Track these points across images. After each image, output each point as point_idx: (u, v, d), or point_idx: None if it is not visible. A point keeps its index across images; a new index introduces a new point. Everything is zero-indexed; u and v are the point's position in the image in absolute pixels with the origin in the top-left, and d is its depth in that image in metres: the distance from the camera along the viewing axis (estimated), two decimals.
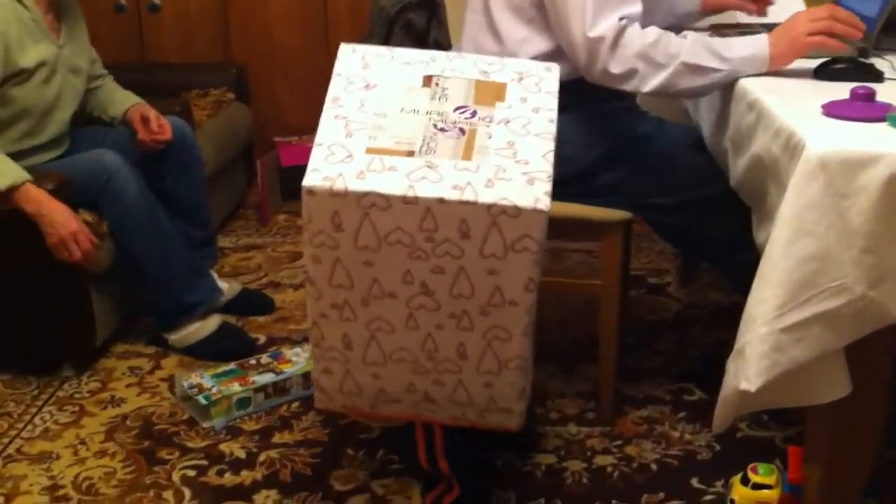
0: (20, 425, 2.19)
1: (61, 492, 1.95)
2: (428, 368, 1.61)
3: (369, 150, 1.48)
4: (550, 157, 1.53)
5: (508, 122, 1.56)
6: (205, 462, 2.04)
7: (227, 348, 2.47)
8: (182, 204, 2.59)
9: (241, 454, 2.07)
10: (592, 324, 2.17)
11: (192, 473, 2.00)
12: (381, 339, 1.58)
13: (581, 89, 1.98)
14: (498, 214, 1.45)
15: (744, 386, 1.44)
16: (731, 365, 1.50)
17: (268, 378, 2.25)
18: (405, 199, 1.44)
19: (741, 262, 1.85)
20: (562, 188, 2.05)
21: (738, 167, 1.77)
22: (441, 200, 1.44)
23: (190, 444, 2.11)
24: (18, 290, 2.35)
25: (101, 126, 2.62)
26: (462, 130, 1.53)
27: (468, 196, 1.44)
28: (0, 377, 2.39)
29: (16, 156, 2.29)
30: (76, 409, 2.25)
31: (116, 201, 2.34)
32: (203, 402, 2.17)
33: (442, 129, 1.53)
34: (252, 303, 2.76)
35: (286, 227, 3.43)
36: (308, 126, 3.68)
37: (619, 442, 2.09)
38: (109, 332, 2.49)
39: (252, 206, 3.57)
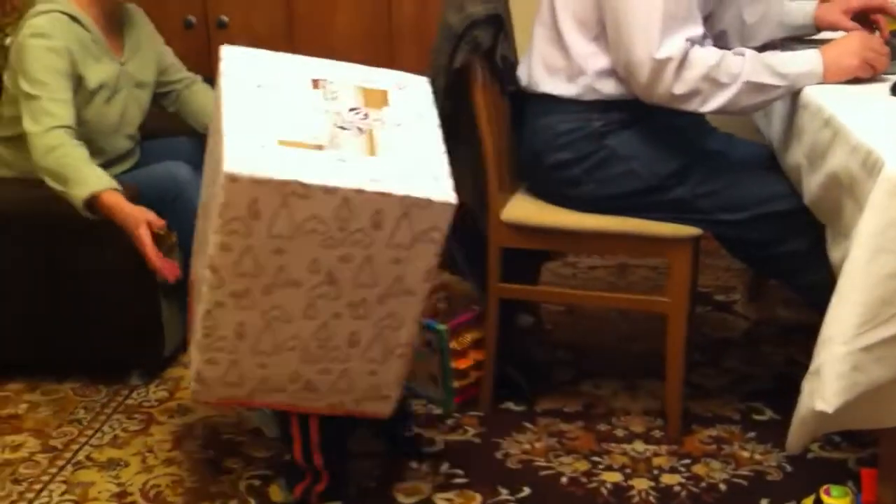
0: (89, 432, 2.23)
1: (129, 499, 1.98)
2: (317, 357, 1.66)
3: (281, 143, 1.53)
4: (445, 158, 1.64)
5: (399, 125, 1.64)
6: (270, 472, 2.05)
7: None
8: None
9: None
10: (657, 340, 2.15)
11: (257, 483, 2.02)
12: (276, 327, 1.63)
13: (648, 104, 1.97)
14: (410, 206, 1.53)
15: (820, 406, 1.41)
16: (807, 385, 1.47)
17: None
18: (325, 189, 1.50)
19: (814, 279, 1.82)
20: (630, 203, 2.05)
21: (812, 184, 1.75)
22: (359, 191, 1.51)
23: (255, 454, 2.12)
24: (89, 298, 2.39)
25: (172, 137, 2.66)
26: (360, 129, 1.60)
27: (384, 188, 1.52)
28: (70, 384, 2.43)
29: None
30: (144, 417, 2.28)
31: (186, 214, 2.37)
32: (269, 412, 2.18)
33: (342, 128, 1.59)
34: None
35: None
36: None
37: (686, 461, 2.06)
38: (178, 341, 2.52)
39: None
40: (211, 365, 1.67)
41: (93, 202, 2.16)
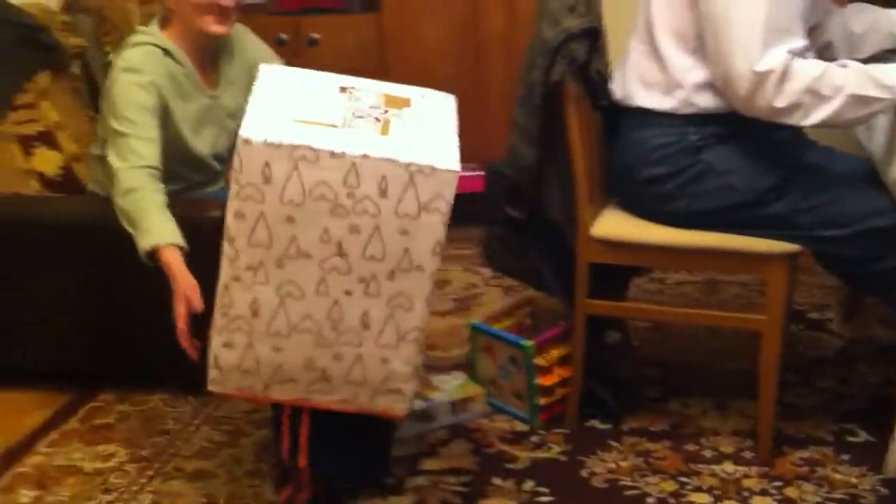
0: (178, 443, 2.26)
1: None
2: (330, 340, 1.68)
3: (296, 121, 1.62)
4: (456, 140, 1.70)
5: (415, 119, 1.69)
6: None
7: None
8: None
9: (390, 479, 2.07)
10: (747, 358, 2.09)
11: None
12: (289, 305, 1.66)
13: (746, 117, 1.93)
14: (415, 173, 1.57)
15: None
16: None
17: (415, 405, 2.25)
18: (333, 154, 1.56)
19: None
20: (725, 218, 2.00)
21: None
22: (365, 156, 1.56)
23: None
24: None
25: None
26: (377, 119, 1.66)
27: (389, 154, 1.58)
28: (160, 395, 2.47)
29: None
30: (231, 428, 2.31)
31: None
32: None
33: (359, 117, 1.66)
34: None
35: None
36: (462, 155, 3.71)
37: (778, 483, 2.00)
38: None
39: None
40: (228, 349, 1.71)
41: (153, 253, 2.08)
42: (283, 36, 3.80)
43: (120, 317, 2.44)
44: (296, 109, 1.65)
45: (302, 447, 1.86)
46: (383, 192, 1.58)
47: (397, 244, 1.61)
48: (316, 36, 3.79)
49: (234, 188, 1.60)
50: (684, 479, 2.02)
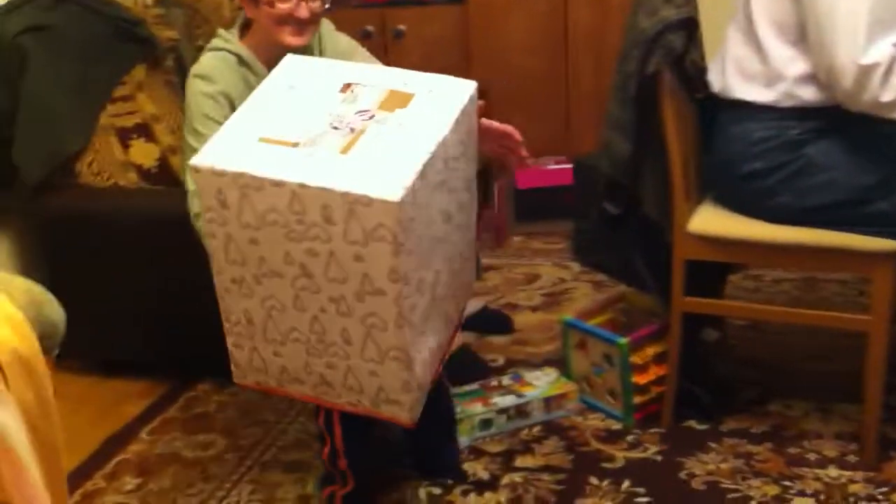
0: (275, 434, 2.29)
1: (313, 502, 2.02)
2: (319, 350, 1.67)
3: (262, 139, 1.57)
4: (425, 157, 1.54)
5: (401, 125, 1.59)
6: (448, 481, 2.05)
7: (462, 373, 2.47)
8: None
9: (485, 475, 2.07)
10: (848, 359, 2.03)
11: (437, 491, 2.02)
12: (275, 317, 1.66)
13: (848, 111, 1.87)
14: (353, 202, 1.49)
15: None
16: None
17: (509, 400, 2.25)
18: (273, 182, 1.52)
19: None
20: (827, 216, 1.95)
21: None
22: (302, 185, 1.51)
23: None
24: None
25: None
26: (353, 129, 1.59)
27: (325, 183, 1.50)
28: None
29: None
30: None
31: None
32: None
33: (335, 128, 1.59)
34: (491, 321, 2.78)
35: (521, 248, 3.44)
36: (545, 149, 3.70)
37: (884, 489, 1.94)
38: None
39: (487, 228, 3.61)
40: (237, 349, 1.75)
41: None
42: (370, 28, 3.82)
43: (213, 310, 2.48)
44: (271, 122, 1.62)
45: (339, 449, 1.91)
46: (328, 219, 1.54)
47: (355, 269, 1.57)
48: (402, 27, 3.80)
49: (203, 211, 1.63)
50: (787, 483, 1.97)
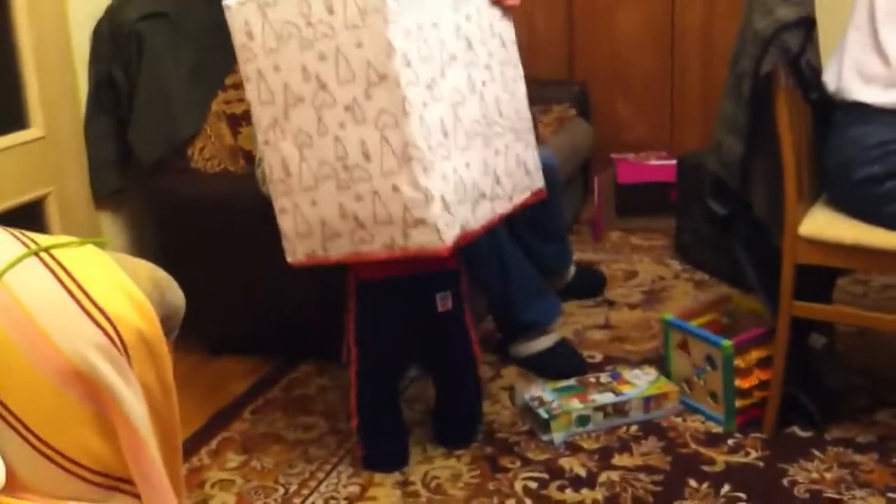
0: None
1: (412, 488, 2.05)
2: (346, 181, 1.83)
3: None
4: None
5: None
6: (546, 475, 2.06)
7: (559, 366, 2.48)
8: (543, 226, 2.68)
9: (582, 472, 2.07)
10: None
11: (533, 485, 2.03)
12: (306, 155, 1.87)
13: None
14: None
15: None
16: None
17: (608, 398, 2.24)
18: None
19: None
20: None
21: None
22: None
23: (530, 456, 2.14)
24: None
25: None
26: None
27: None
28: None
29: None
30: (423, 407, 2.36)
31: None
32: (544, 415, 2.20)
33: None
34: (584, 280, 2.91)
35: (619, 244, 3.41)
36: (646, 144, 3.66)
37: None
38: None
39: (586, 222, 3.59)
40: (284, 215, 1.96)
41: None
42: None
43: (319, 293, 2.53)
44: None
45: (352, 407, 2.11)
46: (330, 9, 1.75)
47: (359, 59, 1.74)
48: None
49: (238, 56, 1.91)
50: (893, 496, 1.92)
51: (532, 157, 2.09)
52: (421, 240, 1.79)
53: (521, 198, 2.05)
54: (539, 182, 2.11)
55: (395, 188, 1.78)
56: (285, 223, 1.97)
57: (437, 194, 1.77)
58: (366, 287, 2.05)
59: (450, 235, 1.80)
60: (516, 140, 2.04)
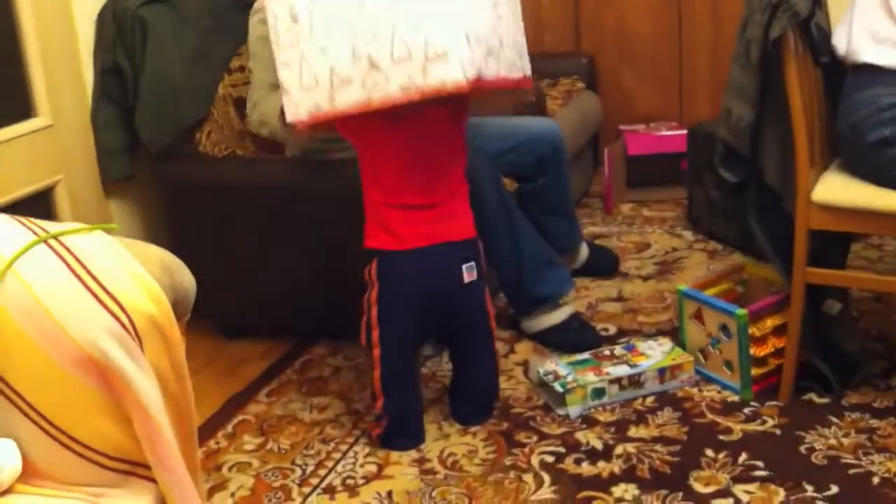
0: None
1: (428, 465, 2.05)
2: (362, 21, 1.80)
3: None
4: None
5: None
6: (562, 449, 2.06)
7: (572, 340, 2.47)
8: (551, 199, 2.67)
9: (598, 444, 2.07)
10: None
11: (549, 459, 2.03)
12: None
13: None
14: None
15: None
16: None
17: (622, 370, 2.23)
18: None
19: None
20: None
21: None
22: None
23: (546, 430, 2.14)
24: None
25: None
26: None
27: None
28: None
29: None
30: (438, 385, 2.36)
31: (473, 200, 2.42)
32: (559, 389, 2.19)
33: None
34: (599, 260, 2.90)
35: (631, 216, 3.39)
36: (655, 115, 3.64)
37: None
38: None
39: (597, 195, 3.57)
40: (287, 69, 1.90)
41: None
42: None
43: (331, 274, 2.53)
44: None
45: (377, 386, 2.08)
46: None
47: None
48: None
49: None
50: None
51: (523, 43, 2.08)
52: (442, 75, 1.78)
53: (515, 75, 2.03)
54: (527, 70, 2.10)
55: (418, 23, 1.77)
56: (289, 78, 1.91)
57: (462, 29, 1.78)
58: (388, 259, 2.03)
59: (471, 71, 1.80)
60: (513, 15, 2.04)
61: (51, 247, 1.37)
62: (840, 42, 2.04)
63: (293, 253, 2.53)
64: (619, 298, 2.75)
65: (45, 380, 1.30)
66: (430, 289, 2.02)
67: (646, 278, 2.87)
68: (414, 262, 2.01)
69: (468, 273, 2.04)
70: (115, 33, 2.59)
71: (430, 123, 2.00)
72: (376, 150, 2.01)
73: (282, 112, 2.02)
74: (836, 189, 2.01)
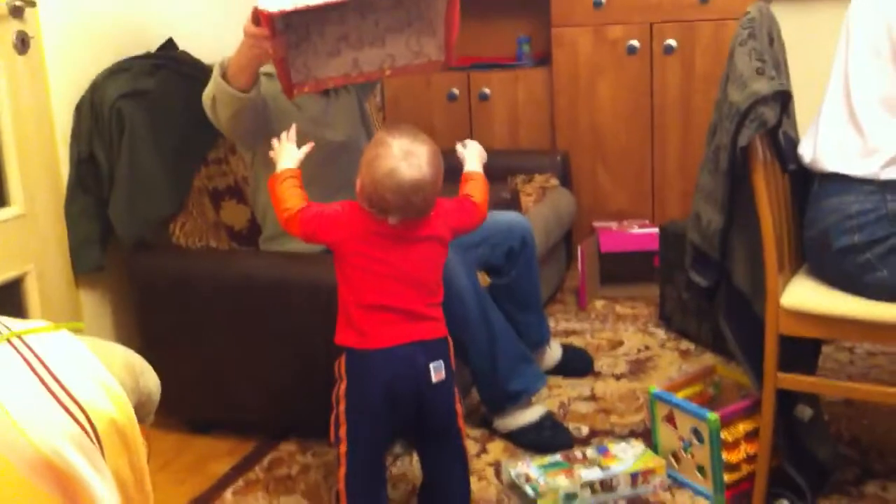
0: None
1: None
2: None
3: None
4: None
5: None
6: None
7: (545, 440, 2.45)
8: (521, 294, 2.67)
9: None
10: None
11: None
12: None
13: None
14: None
15: None
16: None
17: (594, 473, 2.21)
18: None
19: None
20: None
21: None
22: None
23: None
24: None
25: None
26: None
27: None
28: None
29: None
30: (408, 488, 2.32)
31: (447, 292, 2.42)
32: (530, 492, 2.16)
33: None
34: (573, 361, 2.89)
35: (604, 313, 3.40)
36: (628, 212, 3.68)
37: None
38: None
39: (570, 290, 3.58)
40: None
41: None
42: (455, 91, 3.87)
43: (301, 370, 2.50)
44: None
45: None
46: None
47: None
48: (487, 91, 3.84)
49: None
50: None
51: None
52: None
53: None
54: None
55: None
56: None
57: None
58: (356, 357, 2.02)
59: None
60: None
61: (14, 346, 1.35)
62: (807, 151, 2.08)
63: (262, 347, 2.51)
64: (592, 397, 2.74)
65: (4, 486, 1.27)
66: (398, 388, 2.00)
67: (618, 377, 2.86)
68: (381, 361, 1.99)
69: (436, 373, 2.02)
70: (92, 124, 2.60)
71: (416, 246, 2.00)
72: (353, 257, 2.00)
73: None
74: (806, 295, 2.03)
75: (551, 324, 3.26)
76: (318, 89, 2.32)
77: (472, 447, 2.48)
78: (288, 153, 2.13)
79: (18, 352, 1.34)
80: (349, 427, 2.01)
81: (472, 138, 3.93)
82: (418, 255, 1.99)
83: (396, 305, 1.96)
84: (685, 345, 3.04)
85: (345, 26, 2.26)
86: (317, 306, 2.42)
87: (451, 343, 2.08)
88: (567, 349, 2.93)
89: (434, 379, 2.01)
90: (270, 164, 2.51)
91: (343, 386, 2.01)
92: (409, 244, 1.98)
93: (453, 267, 2.37)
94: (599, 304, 3.48)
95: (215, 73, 2.34)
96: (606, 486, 2.19)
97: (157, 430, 2.55)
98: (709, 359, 2.86)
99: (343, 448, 2.01)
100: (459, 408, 2.11)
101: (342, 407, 2.01)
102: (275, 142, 2.16)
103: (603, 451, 2.31)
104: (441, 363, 2.02)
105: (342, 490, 2.02)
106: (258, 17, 2.12)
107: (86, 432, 1.29)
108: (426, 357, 2.00)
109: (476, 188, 2.14)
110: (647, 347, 3.06)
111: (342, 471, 2.02)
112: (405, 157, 1.90)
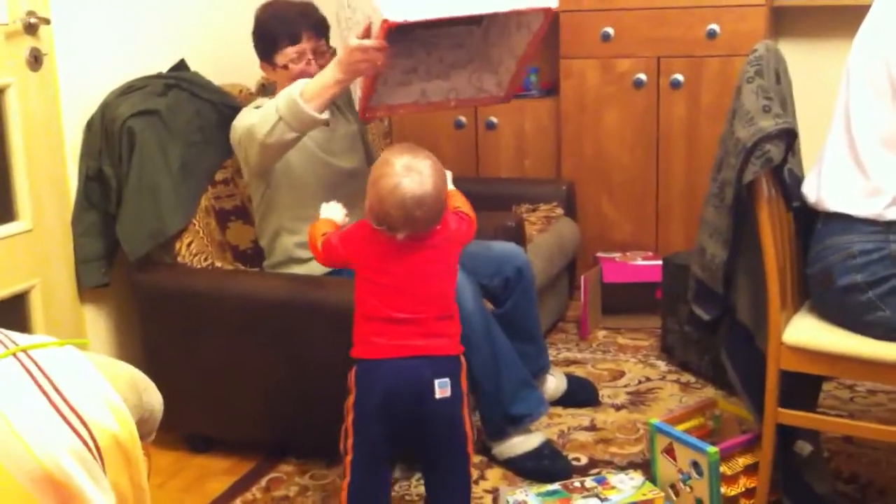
0: None
1: None
2: None
3: None
4: None
5: None
6: None
7: (544, 469, 2.45)
8: (519, 324, 2.67)
9: None
10: None
11: None
12: None
13: None
14: None
15: None
16: None
17: None
18: None
19: None
20: None
21: None
22: None
23: None
24: None
25: None
26: None
27: None
28: (338, 471, 2.50)
29: None
30: None
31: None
32: None
33: None
34: (579, 392, 2.89)
35: (606, 343, 3.40)
36: (631, 243, 3.69)
37: None
38: None
39: (572, 320, 3.59)
40: None
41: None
42: (462, 119, 3.89)
43: (301, 391, 2.51)
44: None
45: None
46: None
47: None
48: (494, 119, 3.86)
49: None
50: None
51: None
52: None
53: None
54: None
55: None
56: None
57: None
58: (364, 367, 2.02)
59: None
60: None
61: (19, 360, 1.36)
62: (810, 190, 2.09)
63: (264, 367, 2.51)
64: (592, 427, 2.74)
65: (3, 497, 1.27)
66: (397, 398, 2.00)
67: (619, 408, 2.85)
68: (384, 371, 2.00)
69: (441, 389, 2.02)
70: (102, 141, 2.62)
71: (427, 251, 2.02)
72: (365, 271, 2.03)
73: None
74: (808, 332, 2.03)
75: (552, 353, 3.26)
76: (389, 114, 2.49)
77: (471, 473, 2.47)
78: (333, 208, 2.26)
79: (24, 366, 1.35)
80: (356, 439, 2.01)
81: (478, 167, 3.98)
82: (428, 269, 2.02)
83: (406, 318, 1.99)
84: (686, 377, 3.04)
85: (413, 59, 2.43)
86: (318, 327, 2.44)
87: (463, 364, 2.08)
88: (572, 380, 2.93)
89: (438, 394, 2.01)
90: (283, 193, 2.57)
91: (352, 398, 2.02)
92: (418, 258, 2.01)
93: (461, 289, 2.39)
94: (601, 334, 3.48)
95: (290, 97, 2.37)
96: None
97: (156, 447, 2.55)
98: (710, 392, 2.86)
99: (349, 458, 2.02)
100: (469, 432, 2.09)
101: (350, 419, 2.02)
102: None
103: (602, 482, 2.30)
104: (447, 381, 2.02)
105: (344, 500, 2.02)
106: (368, 31, 2.20)
107: (87, 447, 1.30)
108: (432, 372, 2.00)
109: (459, 200, 2.19)
110: (647, 379, 3.06)
111: (346, 481, 2.02)
112: (407, 173, 1.94)
